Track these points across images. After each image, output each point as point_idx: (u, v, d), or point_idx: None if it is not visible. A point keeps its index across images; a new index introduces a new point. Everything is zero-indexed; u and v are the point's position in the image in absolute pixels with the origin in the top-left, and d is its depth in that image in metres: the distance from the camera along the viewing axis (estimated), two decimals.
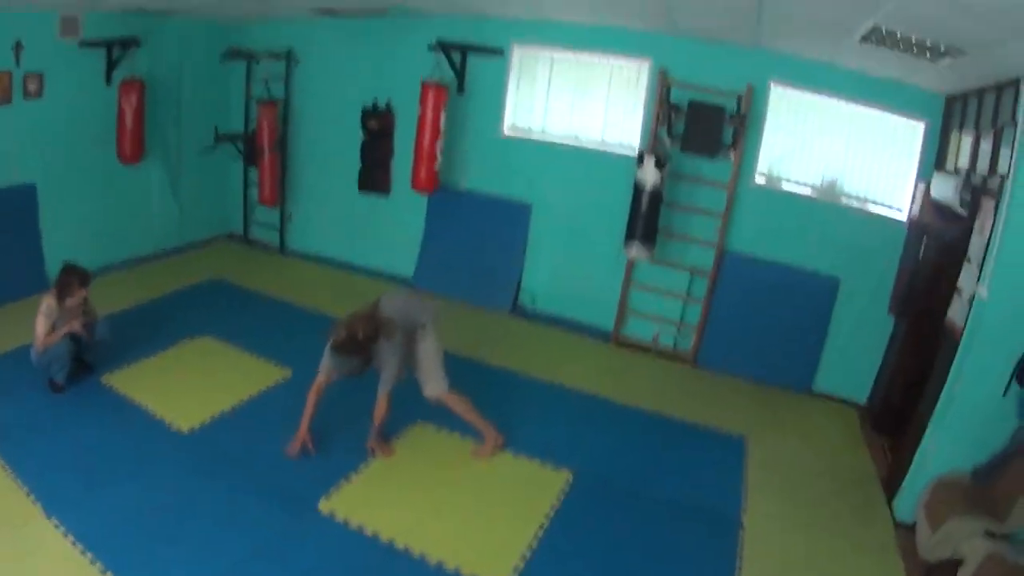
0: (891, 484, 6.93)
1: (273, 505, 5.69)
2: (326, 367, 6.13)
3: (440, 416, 6.98)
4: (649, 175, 8.59)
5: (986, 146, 6.40)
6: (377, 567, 5.24)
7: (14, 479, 5.56)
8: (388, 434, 6.68)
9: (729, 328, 9.37)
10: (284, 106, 10.96)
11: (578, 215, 9.94)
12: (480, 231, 10.46)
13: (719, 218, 9.09)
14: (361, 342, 5.88)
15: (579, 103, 9.80)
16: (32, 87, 8.52)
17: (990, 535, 5.27)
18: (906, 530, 6.33)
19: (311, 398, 6.21)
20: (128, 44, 9.28)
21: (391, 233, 11.02)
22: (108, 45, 9.14)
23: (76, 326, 6.66)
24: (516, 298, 10.41)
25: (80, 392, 6.88)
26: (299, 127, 11.25)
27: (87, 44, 8.93)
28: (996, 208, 5.92)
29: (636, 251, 8.89)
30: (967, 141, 7.00)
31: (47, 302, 6.56)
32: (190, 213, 11.20)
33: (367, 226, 11.22)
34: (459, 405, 6.63)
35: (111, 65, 9.29)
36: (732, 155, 8.86)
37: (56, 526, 5.13)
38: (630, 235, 8.87)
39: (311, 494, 5.85)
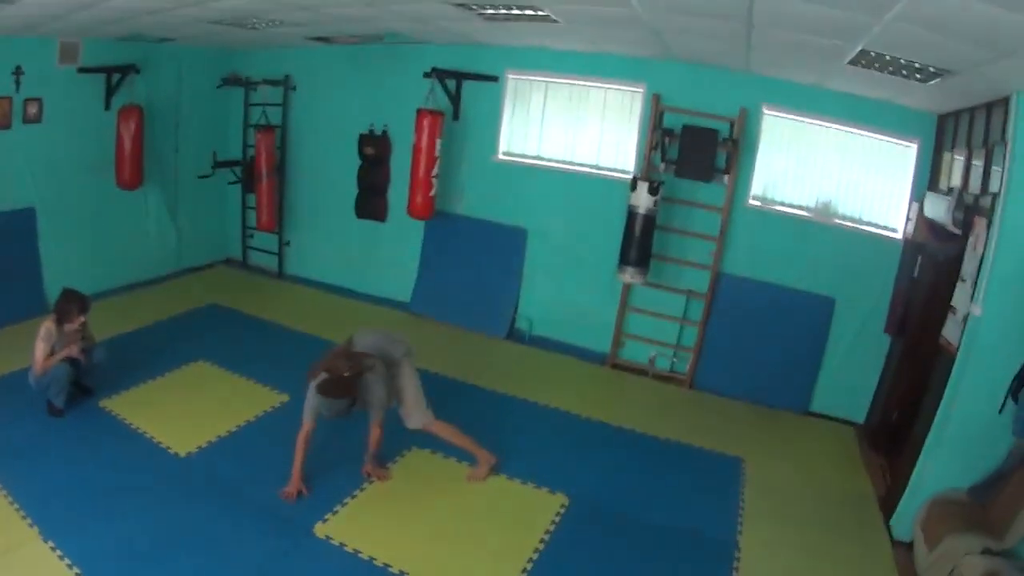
0: (888, 503, 6.93)
1: (270, 529, 5.70)
2: (312, 411, 6.03)
3: (435, 441, 6.98)
4: (643, 199, 8.65)
5: (978, 164, 6.44)
6: None
7: (11, 502, 5.57)
8: (383, 459, 6.70)
9: (725, 350, 9.40)
10: (281, 132, 11.04)
11: (573, 239, 9.99)
12: (476, 256, 10.50)
13: (714, 241, 9.15)
14: (347, 381, 5.84)
15: (573, 128, 9.88)
16: (32, 112, 8.61)
17: (988, 552, 5.31)
18: (904, 549, 6.35)
19: (300, 445, 6.12)
20: (127, 70, 9.38)
21: (388, 259, 11.06)
22: (107, 71, 9.25)
23: (74, 350, 6.70)
24: (513, 322, 10.44)
25: (78, 416, 6.90)
26: (297, 153, 11.31)
27: (86, 70, 9.02)
28: (988, 226, 5.97)
29: (630, 275, 8.94)
30: (959, 160, 7.05)
31: (46, 326, 6.61)
32: (188, 238, 11.25)
33: (364, 252, 11.26)
34: (445, 431, 6.63)
35: (110, 91, 9.38)
36: (726, 179, 8.92)
37: (52, 549, 5.14)
38: (624, 259, 8.93)
39: (308, 518, 5.86)
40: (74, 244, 9.39)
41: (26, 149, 8.67)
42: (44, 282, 8.90)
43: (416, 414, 6.47)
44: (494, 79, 9.91)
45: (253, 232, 11.67)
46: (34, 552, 5.11)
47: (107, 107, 9.42)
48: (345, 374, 5.80)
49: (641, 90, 9.33)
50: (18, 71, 8.38)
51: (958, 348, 6.19)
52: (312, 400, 5.93)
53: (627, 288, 9.64)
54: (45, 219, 9.00)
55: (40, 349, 6.56)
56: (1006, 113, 5.90)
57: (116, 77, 9.37)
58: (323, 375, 5.81)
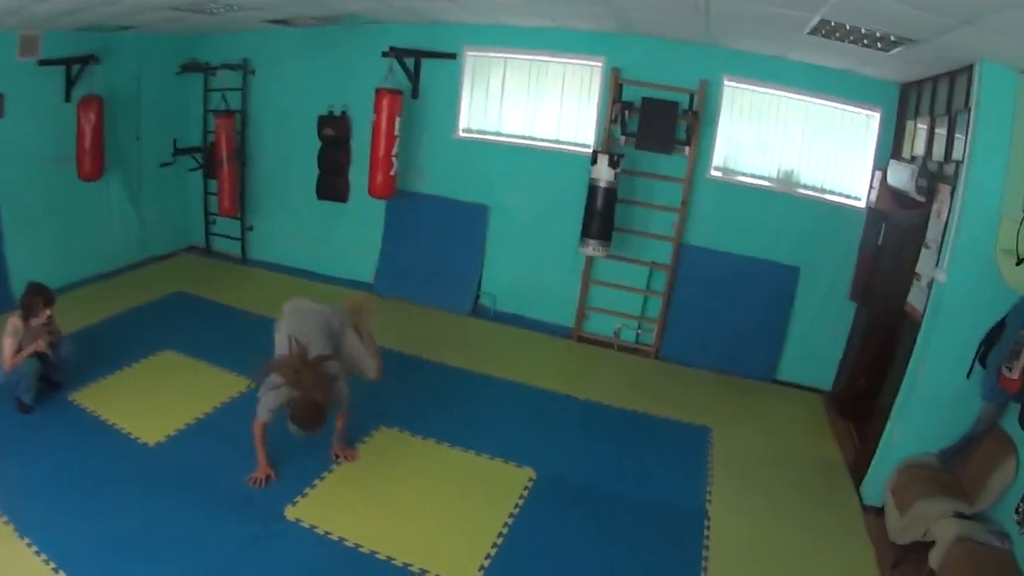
0: (858, 469, 7.05)
1: (241, 515, 5.72)
2: (270, 412, 5.88)
3: (403, 420, 7.08)
4: (603, 173, 8.70)
5: (941, 133, 6.51)
6: (345, 571, 5.29)
7: None
8: (351, 439, 6.73)
9: (690, 321, 9.49)
10: (241, 117, 10.97)
11: (535, 215, 10.03)
12: (439, 234, 10.52)
13: (676, 212, 9.20)
14: (324, 407, 5.71)
15: (533, 104, 9.89)
16: None
17: (960, 516, 5.40)
18: (875, 514, 6.46)
19: (259, 434, 6.06)
20: (86, 61, 9.28)
21: (351, 240, 11.06)
22: (67, 63, 9.14)
23: (42, 345, 6.67)
24: (476, 299, 10.49)
25: (48, 411, 6.86)
26: (257, 137, 11.25)
27: (46, 63, 8.92)
28: (952, 193, 6.04)
29: (592, 248, 8.99)
30: (922, 128, 7.12)
31: (12, 323, 6.56)
32: (151, 227, 11.18)
33: (327, 234, 11.25)
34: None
35: (70, 82, 9.29)
36: (687, 151, 8.96)
37: (28, 545, 5.14)
38: (586, 233, 8.98)
39: (277, 502, 5.89)
40: (38, 238, 9.31)
41: None
42: (9, 278, 8.80)
43: (371, 366, 6.41)
44: (452, 56, 9.89)
45: (215, 218, 11.60)
46: (10, 549, 5.10)
47: (68, 99, 9.32)
48: (319, 400, 5.61)
49: (600, 64, 9.34)
50: None
51: (923, 314, 6.30)
52: (271, 402, 5.81)
53: (590, 261, 9.69)
54: (8, 214, 8.90)
55: (7, 345, 6.51)
56: (969, 82, 5.96)
57: (76, 68, 9.27)
58: (290, 395, 5.63)
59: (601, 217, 8.87)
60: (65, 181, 9.48)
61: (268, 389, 5.80)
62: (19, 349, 6.57)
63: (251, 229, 11.68)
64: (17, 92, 8.74)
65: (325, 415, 5.71)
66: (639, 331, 9.79)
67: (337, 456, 6.53)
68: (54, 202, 9.51)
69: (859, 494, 6.82)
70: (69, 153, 9.37)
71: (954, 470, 5.99)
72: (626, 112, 9.01)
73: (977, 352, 5.79)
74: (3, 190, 8.81)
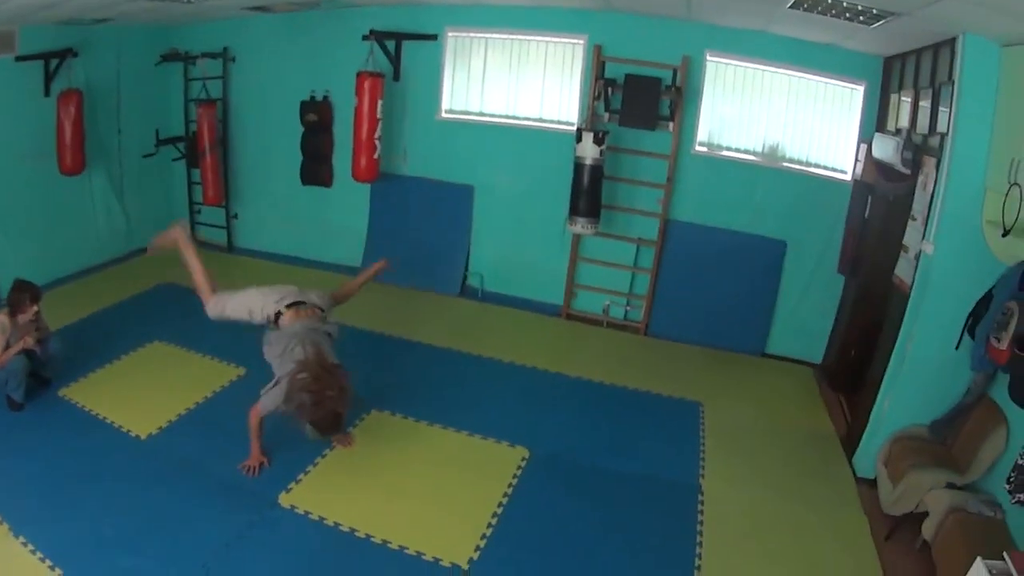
0: (850, 441, 7.09)
1: (235, 504, 5.72)
2: (274, 410, 5.87)
3: (395, 402, 7.10)
4: (589, 150, 8.67)
5: (925, 105, 6.52)
6: (341, 556, 5.31)
7: None
8: (346, 424, 6.69)
9: (679, 296, 9.50)
10: (223, 105, 10.91)
11: (521, 194, 10.02)
12: (424, 216, 10.51)
13: (662, 188, 9.19)
14: (344, 415, 5.90)
15: (516, 83, 9.85)
16: None
17: (952, 486, 5.43)
18: (868, 486, 6.50)
19: (256, 424, 6.06)
20: (64, 55, 9.18)
21: (336, 224, 11.03)
22: (44, 57, 9.05)
23: (30, 342, 6.62)
24: (464, 280, 10.49)
25: (38, 408, 6.84)
26: (239, 125, 11.18)
27: (23, 58, 8.84)
28: (938, 166, 6.05)
29: (581, 226, 8.99)
30: (906, 101, 7.13)
31: (0, 320, 6.55)
32: (136, 219, 11.07)
33: (312, 219, 11.21)
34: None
35: (49, 77, 9.19)
36: (671, 126, 8.94)
37: (24, 543, 5.13)
38: (574, 210, 8.97)
39: (271, 490, 5.90)
40: (22, 235, 9.24)
41: None
42: None
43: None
44: (433, 38, 9.84)
45: (200, 207, 11.56)
46: (5, 549, 5.10)
47: (47, 93, 9.23)
48: (341, 411, 5.78)
49: (582, 42, 9.30)
50: None
51: (911, 286, 6.32)
52: (278, 401, 5.77)
53: (577, 239, 9.69)
54: None
55: None
56: (952, 55, 5.96)
57: (54, 63, 9.18)
58: (312, 405, 5.60)
59: (588, 195, 8.85)
60: (47, 177, 9.39)
61: (287, 392, 5.71)
62: (6, 347, 6.51)
63: (236, 217, 11.63)
64: None
65: (344, 421, 5.92)
66: (628, 308, 9.82)
67: (334, 442, 6.53)
68: (36, 198, 9.44)
69: (851, 466, 6.85)
70: (50, 148, 9.29)
71: (945, 441, 6.03)
72: (609, 89, 8.98)
73: (965, 323, 5.80)
74: None
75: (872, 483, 6.43)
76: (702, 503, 6.19)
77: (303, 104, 10.56)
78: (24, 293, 6.62)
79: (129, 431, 6.58)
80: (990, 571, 4.02)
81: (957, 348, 5.91)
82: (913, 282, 6.32)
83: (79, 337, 8.02)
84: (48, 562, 4.99)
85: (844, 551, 5.75)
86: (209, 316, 6.65)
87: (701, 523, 5.94)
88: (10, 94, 8.87)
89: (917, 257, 6.31)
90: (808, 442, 7.36)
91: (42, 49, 9.01)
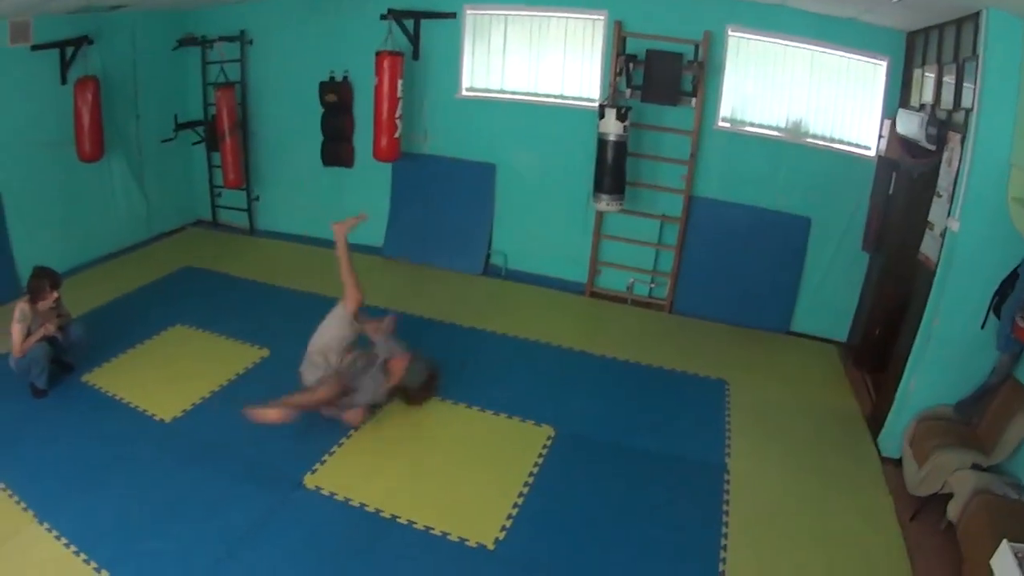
0: (875, 420, 7.00)
1: (260, 486, 5.72)
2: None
3: None
4: (612, 126, 8.58)
5: (949, 81, 6.39)
6: (366, 537, 5.29)
7: (4, 488, 5.55)
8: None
9: (703, 273, 9.41)
10: (241, 88, 10.87)
11: (543, 171, 9.95)
12: (446, 195, 10.46)
13: (685, 165, 9.09)
14: None
15: (536, 60, 9.77)
16: None
17: (977, 468, 5.35)
18: (893, 465, 6.42)
19: (318, 403, 6.41)
20: (79, 43, 9.16)
21: (358, 204, 10.70)
22: (60, 46, 9.03)
23: (51, 328, 6.64)
24: (487, 258, 10.43)
25: (62, 394, 6.85)
26: (259, 108, 11.15)
27: (39, 47, 8.81)
28: (963, 142, 5.94)
29: (605, 203, 8.90)
30: (930, 77, 7.00)
31: (20, 308, 6.51)
32: (157, 204, 11.10)
33: (334, 200, 11.11)
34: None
35: (65, 65, 9.18)
36: (693, 102, 8.84)
37: (48, 530, 5.14)
38: (598, 187, 8.88)
39: (296, 471, 5.89)
40: (43, 224, 9.24)
41: None
42: (16, 266, 8.71)
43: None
44: (452, 16, 9.76)
45: (221, 191, 11.55)
46: (31, 536, 5.12)
47: (63, 81, 9.21)
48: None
49: (602, 18, 9.20)
50: None
51: (937, 263, 6.21)
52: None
53: (600, 216, 9.62)
54: (11, 202, 8.82)
55: (16, 331, 6.47)
56: (976, 30, 5.84)
57: (70, 51, 9.16)
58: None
59: (612, 171, 8.76)
60: (66, 164, 9.40)
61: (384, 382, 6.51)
62: (28, 334, 6.52)
63: (257, 199, 11.62)
64: (10, 79, 8.65)
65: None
66: (652, 285, 9.74)
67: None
68: (56, 186, 9.45)
69: (876, 446, 6.78)
70: (68, 136, 9.27)
71: (971, 421, 5.95)
72: (631, 65, 8.88)
73: (991, 302, 5.74)
74: (4, 179, 8.72)
75: (897, 463, 6.36)
76: (728, 482, 6.14)
77: (322, 85, 10.50)
78: (44, 280, 6.61)
79: (153, 415, 6.59)
80: (1016, 554, 3.97)
81: (983, 327, 5.83)
82: (939, 260, 6.22)
83: (101, 323, 8.03)
84: (73, 547, 5.00)
85: (869, 531, 5.69)
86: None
87: (727, 502, 5.89)
88: (27, 83, 8.86)
89: (942, 234, 6.21)
90: (833, 421, 7.29)
91: (57, 38, 8.98)
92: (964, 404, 6.01)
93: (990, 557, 4.20)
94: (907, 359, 6.47)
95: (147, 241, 10.96)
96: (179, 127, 11.03)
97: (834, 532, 5.65)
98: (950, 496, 5.33)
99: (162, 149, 10.99)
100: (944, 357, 6.16)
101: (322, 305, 7.00)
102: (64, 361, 7.11)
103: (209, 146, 11.30)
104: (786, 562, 5.31)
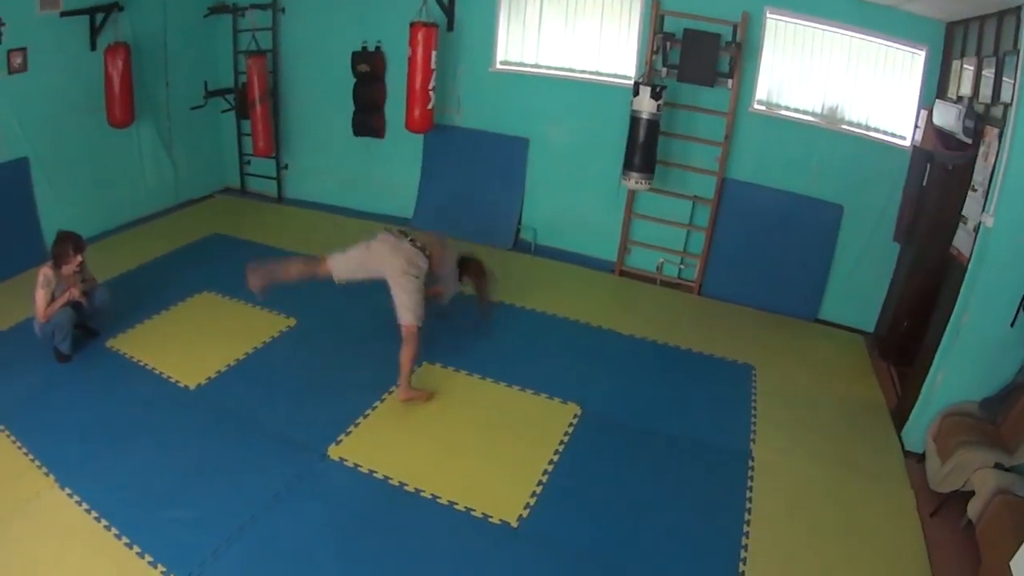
0: (900, 414, 6.92)
1: (284, 455, 5.72)
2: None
3: (446, 355, 7.12)
4: (645, 104, 8.51)
5: (988, 74, 6.27)
6: (389, 510, 5.28)
7: (26, 453, 5.57)
8: (392, 379, 6.61)
9: (733, 256, 9.33)
10: (272, 56, 10.84)
11: (576, 147, 9.87)
12: (478, 168, 10.42)
13: (719, 146, 9.00)
14: None
15: (572, 35, 9.68)
16: (16, 63, 8.38)
17: (1000, 468, 5.26)
18: (916, 460, 6.35)
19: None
20: (110, 9, 9.13)
21: (388, 175, 10.98)
22: (90, 12, 9.00)
23: (75, 293, 6.62)
24: (517, 234, 10.38)
25: (86, 359, 6.86)
26: (289, 76, 11.13)
27: (68, 13, 8.79)
28: (1000, 137, 5.82)
29: (635, 181, 8.83)
30: (969, 69, 6.87)
31: (44, 273, 6.49)
32: (185, 171, 11.12)
33: (364, 170, 11.15)
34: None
35: (95, 31, 9.15)
36: (729, 83, 8.74)
37: (70, 495, 5.15)
38: (628, 165, 8.81)
39: (320, 441, 5.88)
40: (71, 189, 9.26)
41: (14, 100, 8.47)
42: (43, 232, 8.71)
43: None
44: None
45: (250, 159, 11.56)
46: (52, 500, 5.12)
47: (93, 48, 9.20)
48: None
49: None
50: None
51: (969, 258, 6.09)
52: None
53: (632, 195, 9.54)
54: (39, 168, 8.84)
55: (41, 296, 6.47)
56: (1018, 22, 5.73)
57: (100, 17, 9.13)
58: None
59: (643, 149, 8.69)
60: (95, 130, 9.42)
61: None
62: (52, 299, 6.52)
63: (286, 168, 11.61)
64: (40, 45, 8.62)
65: None
66: (682, 266, 9.67)
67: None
68: (85, 152, 9.47)
69: (900, 439, 6.70)
70: (98, 102, 9.30)
71: (996, 420, 5.86)
72: (668, 43, 8.79)
73: (1022, 300, 5.65)
74: (33, 145, 8.73)
75: (920, 457, 6.29)
76: (752, 469, 6.08)
77: (355, 55, 10.44)
78: (67, 244, 6.59)
79: (177, 381, 6.59)
80: None
81: (1012, 325, 5.73)
82: (971, 254, 6.08)
83: (128, 288, 8.03)
84: (94, 513, 5.00)
85: (890, 526, 5.62)
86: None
87: (750, 489, 5.84)
88: (56, 50, 8.83)
89: (976, 229, 6.09)
90: (859, 412, 7.20)
91: (87, 4, 8.96)
92: (990, 402, 5.93)
93: (1009, 558, 4.16)
94: (935, 353, 6.36)
95: (175, 208, 10.96)
96: (209, 95, 10.96)
97: (855, 524, 5.59)
98: (972, 494, 5.26)
99: (191, 116, 10.95)
100: (972, 353, 6.05)
101: None
102: (89, 327, 7.13)
103: (239, 114, 11.25)
104: (806, 552, 5.27)
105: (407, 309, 6.38)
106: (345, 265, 6.72)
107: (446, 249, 7.13)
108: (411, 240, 6.67)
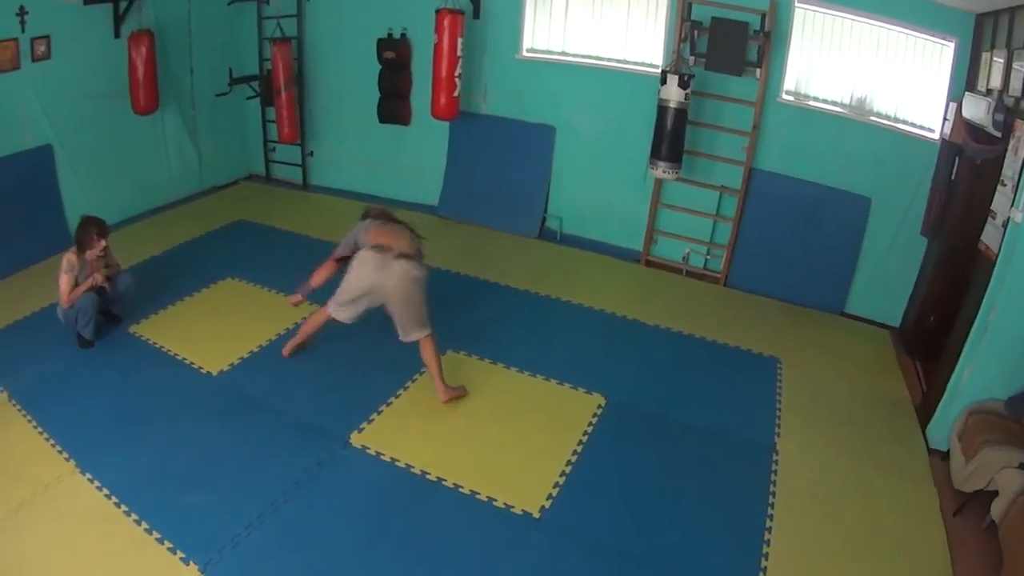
0: (925, 410, 6.85)
1: (306, 442, 5.71)
2: None
3: (470, 344, 7.12)
4: (673, 93, 8.45)
5: (1019, 68, 6.18)
6: (411, 498, 5.27)
7: (47, 438, 5.59)
8: (418, 364, 6.51)
9: (760, 247, 9.25)
10: (298, 43, 10.84)
11: (602, 136, 9.80)
12: (504, 156, 10.36)
13: (747, 136, 8.92)
14: None
15: (599, 23, 9.61)
16: (40, 50, 8.41)
17: None
18: (940, 458, 6.28)
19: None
20: None
21: (414, 163, 10.95)
22: (113, 0, 9.04)
23: (99, 278, 6.64)
24: (543, 222, 10.34)
25: (108, 345, 6.88)
26: (315, 63, 11.13)
27: (92, 1, 8.81)
28: None
29: (662, 170, 8.78)
30: (999, 62, 6.76)
31: (68, 258, 6.52)
32: (210, 158, 11.15)
33: (390, 157, 11.13)
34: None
35: (118, 19, 9.18)
36: (758, 73, 8.66)
37: (90, 480, 5.17)
38: (655, 154, 8.76)
39: (343, 429, 5.87)
40: (94, 176, 9.30)
41: (38, 88, 8.50)
42: (67, 218, 8.76)
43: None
44: None
45: (275, 145, 11.57)
46: (72, 485, 5.14)
47: (117, 35, 9.23)
48: None
49: None
50: (22, 11, 8.15)
51: (998, 254, 5.98)
52: None
53: (659, 184, 9.48)
54: (63, 155, 8.88)
55: (64, 281, 6.49)
56: None
57: (124, 4, 9.16)
58: None
59: (671, 139, 8.64)
60: (119, 117, 9.45)
61: None
62: (76, 284, 6.53)
63: (312, 155, 11.61)
64: (64, 33, 8.64)
65: None
66: (708, 257, 9.60)
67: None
68: (109, 139, 9.49)
69: (925, 436, 6.62)
70: (122, 89, 9.32)
71: (1021, 419, 5.75)
72: (695, 32, 8.72)
73: None
74: (56, 132, 8.77)
75: (945, 455, 6.21)
76: (776, 463, 6.03)
77: (380, 42, 10.40)
78: (91, 229, 6.60)
79: (200, 367, 6.60)
80: None
81: None
82: (1000, 250, 5.98)
83: (151, 274, 8.05)
84: (114, 499, 5.02)
85: (912, 523, 5.55)
86: None
87: (774, 483, 5.79)
88: (80, 37, 8.85)
89: (1005, 224, 5.98)
90: (884, 408, 7.11)
91: None
92: (1015, 400, 5.81)
93: None
94: (961, 350, 6.27)
95: (199, 194, 10.98)
96: (234, 81, 10.99)
97: (878, 520, 5.53)
98: (995, 494, 5.18)
99: (216, 103, 10.99)
100: (999, 350, 5.94)
101: None
102: (112, 313, 7.14)
103: (263, 101, 11.26)
104: (828, 548, 5.22)
105: (416, 324, 6.20)
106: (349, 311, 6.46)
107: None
108: (400, 255, 6.21)
